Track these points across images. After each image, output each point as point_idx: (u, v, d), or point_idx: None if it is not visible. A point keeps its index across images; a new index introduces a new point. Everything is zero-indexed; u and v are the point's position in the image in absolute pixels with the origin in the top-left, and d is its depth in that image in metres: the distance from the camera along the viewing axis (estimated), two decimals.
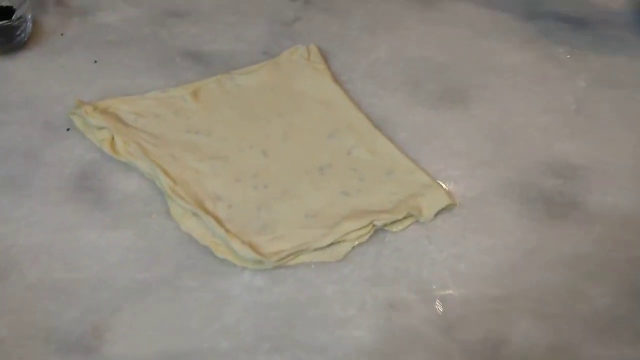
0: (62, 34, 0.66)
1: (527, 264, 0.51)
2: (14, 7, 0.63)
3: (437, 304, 0.49)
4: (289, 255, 0.51)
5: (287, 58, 0.64)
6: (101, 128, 0.57)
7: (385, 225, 0.53)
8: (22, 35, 0.64)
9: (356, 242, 0.52)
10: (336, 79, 0.63)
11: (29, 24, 0.65)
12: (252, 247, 0.51)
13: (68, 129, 0.59)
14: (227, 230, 0.51)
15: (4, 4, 0.64)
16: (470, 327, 0.48)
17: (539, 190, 0.56)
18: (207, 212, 0.52)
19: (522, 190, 0.56)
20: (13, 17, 0.63)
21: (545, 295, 0.50)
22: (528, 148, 0.59)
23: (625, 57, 0.68)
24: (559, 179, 0.57)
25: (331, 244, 0.51)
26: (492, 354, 0.47)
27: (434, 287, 0.50)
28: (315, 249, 0.51)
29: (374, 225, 0.53)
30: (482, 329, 0.48)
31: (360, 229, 0.52)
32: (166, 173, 0.54)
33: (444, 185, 0.55)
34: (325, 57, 0.65)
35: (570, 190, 0.56)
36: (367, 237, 0.52)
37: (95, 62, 0.64)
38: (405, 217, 0.53)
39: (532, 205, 0.55)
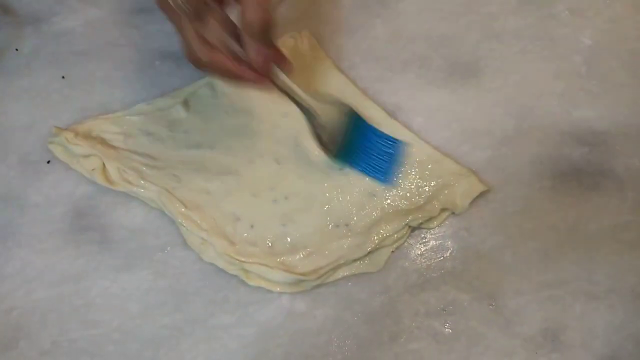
0: (16, 50, 0.57)
1: (571, 243, 0.50)
2: None
3: (491, 300, 0.47)
4: (327, 272, 0.47)
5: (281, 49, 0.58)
6: (88, 156, 0.50)
7: (421, 224, 0.49)
8: None
9: (394, 247, 0.49)
10: (338, 67, 0.58)
11: None
12: (286, 268, 0.46)
13: (48, 162, 0.51)
14: (250, 262, 0.46)
15: None
16: (527, 320, 0.46)
17: (568, 162, 0.54)
18: (225, 237, 0.47)
19: (552, 164, 0.53)
20: None
21: (594, 273, 0.49)
22: (548, 118, 0.56)
23: (623, 7, 0.65)
24: (585, 147, 0.55)
25: (368, 253, 0.48)
26: (553, 344, 0.46)
27: (484, 282, 0.47)
28: (354, 260, 0.48)
29: (410, 226, 0.49)
30: (540, 319, 0.46)
31: (395, 232, 0.48)
32: (174, 199, 0.49)
33: (473, 171, 0.52)
34: (320, 43, 0.59)
35: (597, 158, 0.54)
36: (404, 239, 0.49)
37: (63, 77, 0.55)
38: (440, 212, 0.50)
39: (564, 178, 0.53)
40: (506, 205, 0.51)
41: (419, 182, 0.51)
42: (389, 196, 0.50)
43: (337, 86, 0.56)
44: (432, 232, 0.50)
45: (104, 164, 0.50)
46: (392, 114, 0.55)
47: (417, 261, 0.48)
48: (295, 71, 0.48)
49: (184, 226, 0.48)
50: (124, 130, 0.52)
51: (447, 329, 0.45)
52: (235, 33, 0.43)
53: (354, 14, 0.63)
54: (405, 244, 0.49)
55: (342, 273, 0.48)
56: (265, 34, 0.43)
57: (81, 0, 0.61)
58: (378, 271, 0.48)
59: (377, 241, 0.48)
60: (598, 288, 0.48)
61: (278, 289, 0.46)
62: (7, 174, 0.51)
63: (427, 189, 0.51)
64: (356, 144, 0.51)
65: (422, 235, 0.50)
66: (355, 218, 0.49)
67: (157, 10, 0.60)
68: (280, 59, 0.46)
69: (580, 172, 0.53)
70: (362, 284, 0.47)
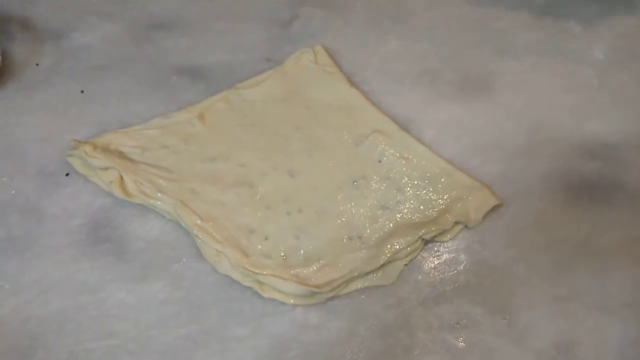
0: (37, 64, 0.58)
1: (583, 256, 0.50)
2: None
3: (504, 314, 0.47)
4: (340, 285, 0.47)
5: (294, 64, 0.59)
6: (106, 168, 0.51)
7: (434, 237, 0.50)
8: None
9: (408, 260, 0.49)
10: (351, 81, 0.58)
11: None
12: (300, 280, 0.47)
13: (67, 174, 0.52)
14: (264, 274, 0.47)
15: None
16: (540, 333, 0.46)
17: (579, 176, 0.54)
18: (239, 249, 0.48)
19: (563, 178, 0.54)
20: None
21: (607, 287, 0.48)
22: (560, 132, 0.57)
23: (635, 21, 0.66)
24: (597, 161, 0.55)
25: (382, 266, 0.48)
26: (566, 358, 0.45)
27: (497, 296, 0.47)
28: (367, 273, 0.48)
29: (423, 240, 0.49)
30: (552, 333, 0.46)
31: (409, 245, 0.49)
32: (190, 211, 0.49)
33: (485, 184, 0.53)
34: (332, 57, 0.60)
35: (609, 172, 0.54)
36: (418, 252, 0.49)
37: (82, 92, 0.57)
38: (453, 225, 0.50)
39: (576, 192, 0.53)
40: (518, 219, 0.51)
41: (432, 195, 0.52)
42: (402, 209, 0.51)
43: (350, 100, 0.57)
44: (445, 245, 0.50)
45: (121, 177, 0.51)
46: (404, 127, 0.56)
47: (431, 274, 0.49)
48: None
49: (200, 238, 0.48)
50: (141, 143, 0.53)
51: (460, 343, 0.45)
52: None
53: (367, 29, 0.64)
54: (419, 257, 0.49)
55: (355, 286, 0.48)
56: None
57: (99, 17, 0.62)
58: (391, 284, 0.48)
59: (390, 254, 0.48)
60: (611, 302, 0.48)
61: (292, 301, 0.46)
62: (25, 186, 0.51)
63: (440, 202, 0.51)
64: None
65: (436, 249, 0.50)
66: (368, 231, 0.50)
67: (174, 27, 0.62)
68: None
69: (592, 185, 0.54)
70: (376, 296, 0.47)
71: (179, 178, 0.51)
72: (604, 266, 0.49)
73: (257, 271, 0.47)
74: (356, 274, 0.47)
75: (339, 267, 0.48)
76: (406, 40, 0.63)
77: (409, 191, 0.52)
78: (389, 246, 0.48)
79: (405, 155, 0.53)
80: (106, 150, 0.52)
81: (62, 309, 0.46)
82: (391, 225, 0.50)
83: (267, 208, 0.50)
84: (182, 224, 0.49)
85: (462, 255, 0.49)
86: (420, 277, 0.48)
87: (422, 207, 0.51)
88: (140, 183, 0.50)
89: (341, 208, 0.51)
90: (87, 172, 0.52)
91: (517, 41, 0.63)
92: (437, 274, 0.49)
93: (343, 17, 0.65)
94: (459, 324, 0.46)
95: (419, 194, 0.52)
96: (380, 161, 0.53)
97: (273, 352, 0.44)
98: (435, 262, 0.49)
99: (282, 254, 0.48)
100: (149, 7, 0.64)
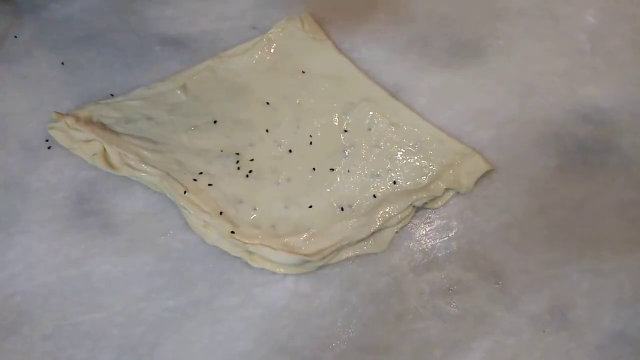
0: (15, 37, 0.57)
1: (577, 220, 0.49)
2: None
3: (497, 279, 0.46)
4: (331, 253, 0.46)
5: (280, 31, 0.57)
6: (89, 140, 0.50)
7: (425, 203, 0.49)
8: None
9: (399, 227, 0.48)
10: (339, 49, 0.57)
11: None
12: (290, 249, 0.46)
13: (49, 147, 0.51)
14: (253, 244, 0.46)
15: None
16: (534, 298, 0.46)
17: (573, 141, 0.53)
18: (228, 220, 0.47)
19: (557, 143, 0.53)
20: None
21: (601, 251, 0.48)
22: (553, 96, 0.56)
23: None
24: (590, 125, 0.54)
25: (373, 233, 0.47)
26: (561, 322, 0.45)
27: (490, 261, 0.47)
28: (358, 241, 0.47)
29: (414, 207, 0.49)
30: (547, 297, 0.46)
31: (400, 213, 0.48)
32: (175, 182, 0.48)
33: (477, 150, 0.52)
34: (320, 24, 0.59)
35: (602, 136, 0.54)
36: (409, 219, 0.48)
37: (63, 64, 0.55)
38: (444, 191, 0.49)
39: (569, 157, 0.52)
40: (511, 185, 0.50)
41: (423, 162, 0.51)
42: (392, 177, 0.50)
43: (338, 68, 0.55)
44: (436, 212, 0.49)
45: (105, 149, 0.50)
46: (394, 95, 0.54)
47: (422, 241, 0.48)
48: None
49: (186, 209, 0.47)
50: (125, 114, 0.52)
51: (453, 308, 0.45)
52: None
53: None
54: (410, 224, 0.49)
55: (346, 254, 0.47)
56: None
57: None
58: (382, 252, 0.47)
59: (381, 222, 0.47)
60: (605, 265, 0.47)
61: (282, 270, 0.46)
62: (8, 160, 0.50)
63: (431, 169, 0.50)
64: None
65: (427, 216, 0.49)
66: (358, 199, 0.49)
67: None
68: None
69: (585, 150, 0.53)
70: (367, 264, 0.47)
71: (163, 149, 0.50)
72: (597, 230, 0.49)
73: (247, 241, 0.46)
74: (346, 243, 0.47)
75: (329, 235, 0.47)
76: (396, 6, 0.61)
77: (399, 158, 0.51)
78: (379, 214, 0.48)
79: (395, 122, 0.52)
80: (89, 122, 0.51)
81: (47, 283, 0.45)
82: (382, 193, 0.49)
83: (255, 178, 0.49)
84: (168, 196, 0.48)
85: (454, 222, 0.49)
86: (411, 244, 0.48)
87: (413, 174, 0.50)
88: (125, 155, 0.49)
89: (331, 177, 0.50)
90: (69, 145, 0.51)
91: (509, 4, 0.62)
92: (428, 240, 0.48)
93: None
94: (450, 290, 0.46)
95: (409, 161, 0.51)
96: (370, 129, 0.52)
97: (264, 321, 0.44)
98: (427, 229, 0.48)
99: (272, 224, 0.48)
100: None
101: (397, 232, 0.48)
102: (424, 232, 0.48)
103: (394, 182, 0.50)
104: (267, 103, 0.53)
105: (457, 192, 0.50)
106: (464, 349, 0.43)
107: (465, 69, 0.57)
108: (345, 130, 0.52)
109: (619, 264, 0.47)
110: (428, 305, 0.45)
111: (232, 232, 0.46)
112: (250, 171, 0.50)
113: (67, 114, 0.51)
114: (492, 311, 0.45)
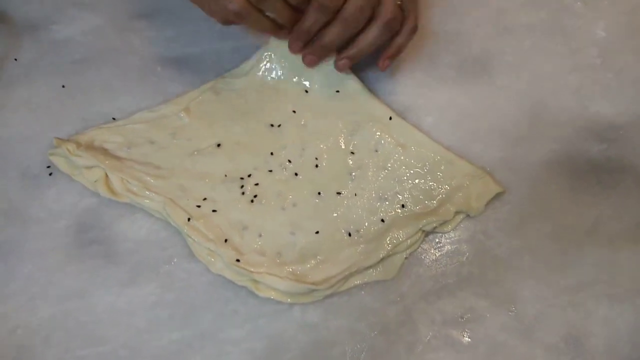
0: (15, 59, 0.56)
1: (591, 244, 0.48)
2: None
3: (510, 306, 0.45)
4: (339, 281, 0.45)
5: (284, 49, 0.56)
6: (90, 167, 0.49)
7: (435, 227, 0.48)
8: None
9: (408, 253, 0.47)
10: None
11: None
12: (296, 277, 0.45)
13: (50, 174, 0.50)
14: (259, 272, 0.45)
15: None
16: (549, 326, 0.44)
17: (585, 160, 0.52)
18: (233, 247, 0.46)
19: (569, 162, 0.52)
20: None
21: (617, 275, 0.47)
22: (564, 114, 0.54)
23: None
24: (603, 143, 0.53)
25: (381, 260, 0.46)
26: (577, 350, 0.44)
27: (503, 288, 0.46)
28: (366, 268, 0.46)
29: (423, 231, 0.47)
30: (562, 325, 0.45)
31: (409, 238, 0.47)
32: (179, 209, 0.47)
33: (487, 171, 0.50)
34: None
35: (616, 154, 0.52)
36: (418, 244, 0.47)
37: (63, 87, 0.54)
38: (454, 215, 0.48)
39: (582, 177, 0.51)
40: (522, 207, 0.49)
41: (432, 184, 0.49)
42: (401, 200, 0.49)
43: (341, 84, 0.54)
44: (446, 236, 0.48)
45: (106, 175, 0.49)
46: (401, 114, 0.53)
47: (432, 267, 0.47)
48: None
49: (191, 237, 0.46)
50: (127, 139, 0.51)
51: (465, 338, 0.44)
52: None
53: None
54: (419, 249, 0.47)
55: (354, 281, 0.46)
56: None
57: (79, 8, 0.59)
58: (392, 279, 0.46)
59: (390, 247, 0.46)
60: (621, 290, 0.46)
61: (289, 299, 0.45)
62: (8, 187, 0.49)
63: (440, 192, 0.49)
64: None
65: (437, 240, 0.48)
66: (366, 224, 0.48)
67: (157, 15, 0.59)
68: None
69: (598, 169, 0.51)
70: (376, 292, 0.46)
71: (167, 174, 0.49)
72: (612, 254, 0.47)
73: (252, 269, 0.45)
74: (355, 270, 0.45)
75: (337, 262, 0.46)
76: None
77: (407, 181, 0.50)
78: (388, 239, 0.47)
79: (403, 143, 0.51)
80: (90, 147, 0.50)
81: (49, 316, 0.44)
82: (390, 217, 0.48)
83: (260, 203, 0.48)
84: (172, 223, 0.47)
85: (465, 246, 0.47)
86: (421, 270, 0.46)
87: (421, 197, 0.49)
88: (127, 181, 0.48)
89: (337, 201, 0.49)
90: (71, 171, 0.50)
91: (517, 20, 0.60)
92: (439, 266, 0.47)
93: None
94: (463, 318, 0.44)
95: (418, 183, 0.50)
96: (376, 150, 0.51)
97: (270, 353, 0.43)
98: (437, 254, 0.47)
99: (278, 251, 0.47)
100: None
101: (406, 258, 0.47)
102: (434, 258, 0.47)
103: (403, 206, 0.48)
104: (272, 125, 0.52)
105: (467, 215, 0.49)
106: None
107: (473, 86, 0.56)
108: (352, 152, 0.51)
109: (635, 289, 0.46)
110: (440, 335, 0.44)
111: (238, 260, 0.45)
112: (255, 196, 0.49)
113: (68, 140, 0.50)
114: (505, 340, 0.44)
